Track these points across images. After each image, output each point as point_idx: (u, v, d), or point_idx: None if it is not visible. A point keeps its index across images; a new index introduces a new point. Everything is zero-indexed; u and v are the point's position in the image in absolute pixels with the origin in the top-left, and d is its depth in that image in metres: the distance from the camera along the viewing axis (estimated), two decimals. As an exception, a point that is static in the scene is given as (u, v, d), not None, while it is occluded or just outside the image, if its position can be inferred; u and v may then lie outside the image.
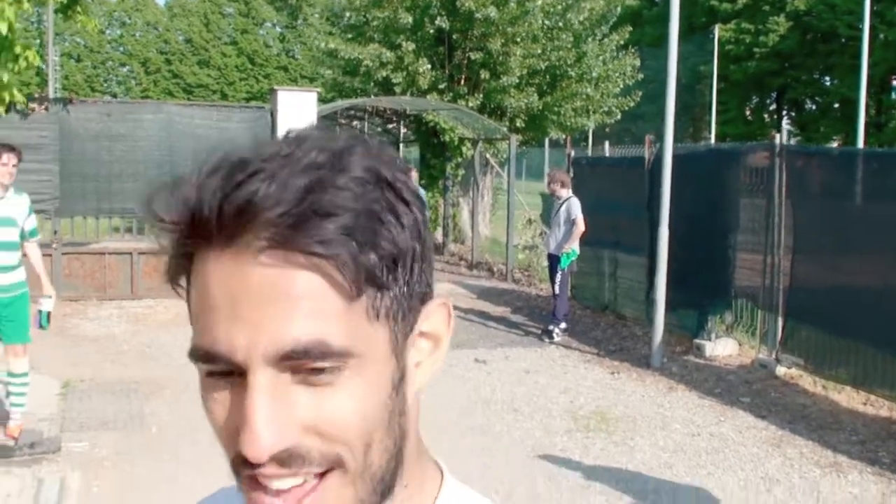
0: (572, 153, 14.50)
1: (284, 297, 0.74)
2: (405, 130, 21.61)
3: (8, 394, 6.81)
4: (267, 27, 65.65)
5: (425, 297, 0.85)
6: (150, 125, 13.31)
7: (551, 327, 11.51)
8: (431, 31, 17.66)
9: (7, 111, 10.84)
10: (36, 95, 14.37)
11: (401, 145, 21.47)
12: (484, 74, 17.58)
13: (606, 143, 15.11)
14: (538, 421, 7.94)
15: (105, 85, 62.41)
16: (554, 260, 11.77)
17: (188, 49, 62.35)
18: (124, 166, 13.22)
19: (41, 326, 6.77)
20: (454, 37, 17.85)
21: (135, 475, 6.37)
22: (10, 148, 6.56)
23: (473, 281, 16.21)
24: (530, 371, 9.77)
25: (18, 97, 10.45)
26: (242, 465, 0.77)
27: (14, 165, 6.49)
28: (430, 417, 5.81)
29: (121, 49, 63.67)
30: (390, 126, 21.24)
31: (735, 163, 10.97)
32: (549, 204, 19.37)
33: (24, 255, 6.74)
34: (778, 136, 10.09)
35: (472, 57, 17.63)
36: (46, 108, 12.86)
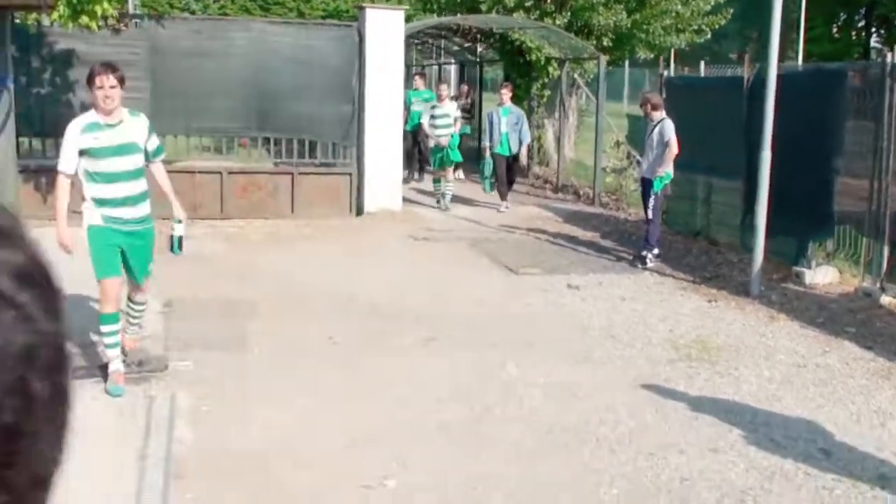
0: (665, 73, 14.08)
1: None
2: (482, 49, 21.29)
3: (126, 314, 6.78)
4: (344, -57, 64.85)
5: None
6: (239, 43, 13.25)
7: (644, 253, 11.31)
8: (519, -54, 17.20)
9: (99, 27, 10.81)
10: (125, 12, 14.34)
11: (484, 65, 21.13)
12: (572, -9, 17.11)
13: (702, 64, 14.66)
14: (638, 349, 7.83)
15: (183, 2, 62.50)
16: (647, 184, 11.53)
17: (265, -34, 61.93)
18: (213, 85, 13.20)
19: (173, 251, 6.80)
20: (542, -47, 17.38)
21: (242, 395, 6.42)
22: (107, 68, 6.14)
23: (559, 204, 16.02)
24: (626, 298, 9.62)
25: (111, 10, 10.41)
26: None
27: (112, 87, 6.02)
28: (527, 339, 5.75)
29: (199, -34, 63.46)
30: (474, 45, 20.90)
31: (840, 83, 10.52)
32: (636, 126, 18.99)
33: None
34: (889, 54, 9.64)
35: (560, -27, 17.15)
36: (137, 25, 12.85)
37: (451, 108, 15.46)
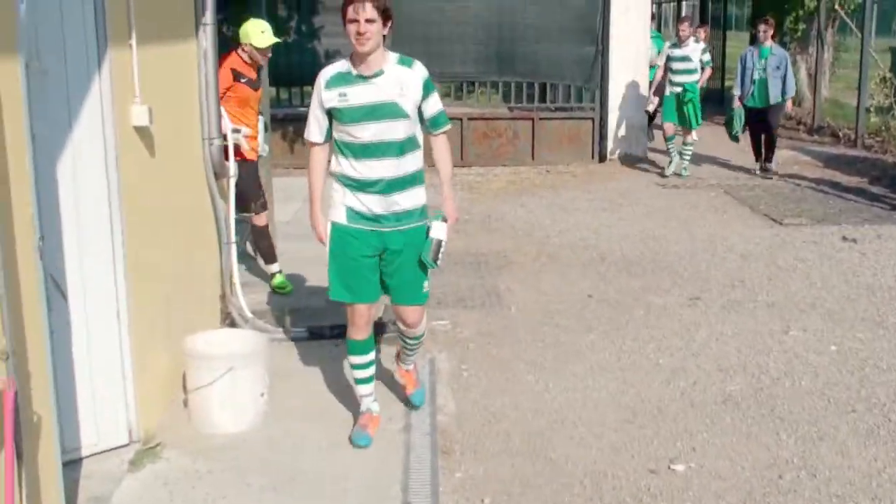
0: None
1: None
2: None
3: (399, 341, 5.12)
4: None
5: None
6: (479, -17, 12.84)
7: (926, 200, 10.17)
8: None
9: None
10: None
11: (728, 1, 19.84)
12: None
13: None
14: (939, 313, 6.91)
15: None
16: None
17: None
18: (453, 28, 12.86)
19: (425, 261, 4.58)
20: None
21: (503, 359, 6.03)
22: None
23: (816, 147, 14.78)
24: (912, 253, 8.61)
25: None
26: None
27: (369, 20, 4.22)
28: (807, 299, 4.99)
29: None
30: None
31: None
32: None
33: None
34: None
35: None
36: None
37: (694, 51, 12.36)
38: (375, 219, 4.48)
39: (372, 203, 4.46)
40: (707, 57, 12.48)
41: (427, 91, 4.45)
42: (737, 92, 12.50)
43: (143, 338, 4.50)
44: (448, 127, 4.55)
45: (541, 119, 13.30)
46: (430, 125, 4.57)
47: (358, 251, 4.52)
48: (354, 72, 4.39)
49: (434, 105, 4.52)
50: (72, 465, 4.17)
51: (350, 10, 4.24)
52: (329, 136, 4.53)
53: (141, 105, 4.42)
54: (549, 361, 5.98)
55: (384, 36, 4.36)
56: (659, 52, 13.07)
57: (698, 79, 12.35)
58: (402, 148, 4.44)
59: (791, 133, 16.14)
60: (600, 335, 6.47)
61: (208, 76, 5.69)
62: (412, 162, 4.51)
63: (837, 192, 11.50)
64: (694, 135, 12.58)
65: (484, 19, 12.94)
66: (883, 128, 14.86)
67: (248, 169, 6.64)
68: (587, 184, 11.99)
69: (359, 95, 4.37)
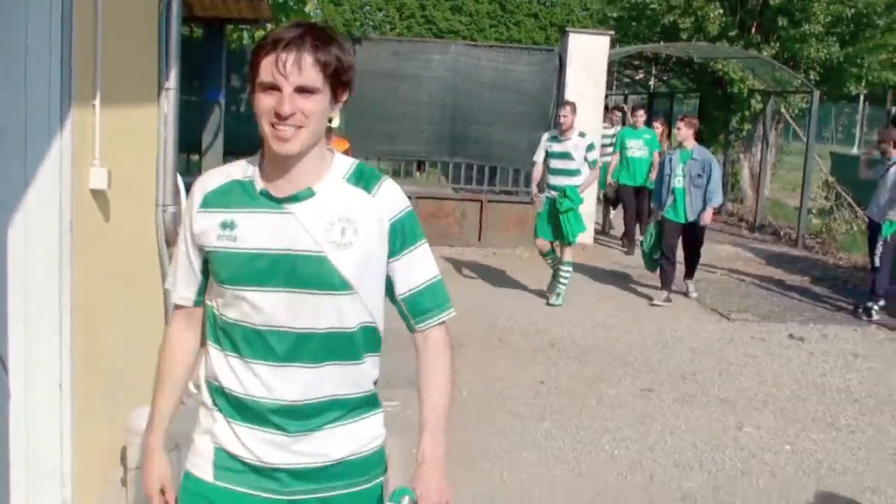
0: (894, 110, 12.96)
1: None
2: (675, 81, 20.34)
3: None
4: (520, -28, 64.88)
5: None
6: (436, 66, 12.95)
7: (870, 304, 10.25)
8: (725, -28, 16.35)
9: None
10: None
11: (678, 96, 20.26)
12: (781, 21, 16.11)
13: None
14: (889, 417, 6.90)
15: (361, 29, 63.63)
16: (874, 228, 10.47)
17: (442, -6, 62.55)
18: (409, 107, 12.89)
19: None
20: (749, -21, 16.48)
21: (456, 444, 5.85)
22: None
23: (758, 244, 15.01)
24: (858, 355, 8.64)
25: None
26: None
27: (302, 90, 2.71)
28: (759, 396, 4.91)
29: (377, -6, 64.70)
30: (668, 77, 20.09)
31: None
32: (840, 165, 17.79)
33: None
34: None
35: (770, 2, 16.18)
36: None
37: (576, 147, 9.70)
38: (267, 474, 2.35)
39: (262, 444, 2.35)
40: (594, 156, 9.81)
41: (402, 239, 2.34)
42: (653, 203, 11.00)
43: (84, 412, 4.26)
44: (447, 314, 2.49)
45: (489, 201, 13.31)
46: (410, 309, 2.44)
47: None
48: (259, 186, 2.33)
49: (420, 269, 2.39)
50: (0, 546, 3.89)
51: (267, 64, 2.17)
52: (202, 297, 2.47)
53: (101, 167, 4.25)
54: (503, 449, 5.82)
55: (329, 123, 2.36)
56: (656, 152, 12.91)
57: (581, 182, 9.72)
58: (328, 347, 2.32)
59: (733, 230, 16.41)
60: (554, 423, 6.33)
61: (167, 141, 5.53)
62: (352, 375, 2.43)
63: (781, 289, 11.61)
64: (569, 254, 10.01)
65: (438, 100, 13.00)
66: (823, 229, 15.15)
67: None
68: (534, 268, 11.94)
69: (259, 233, 2.27)
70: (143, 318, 5.44)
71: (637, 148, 13.33)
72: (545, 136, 10.25)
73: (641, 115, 13.76)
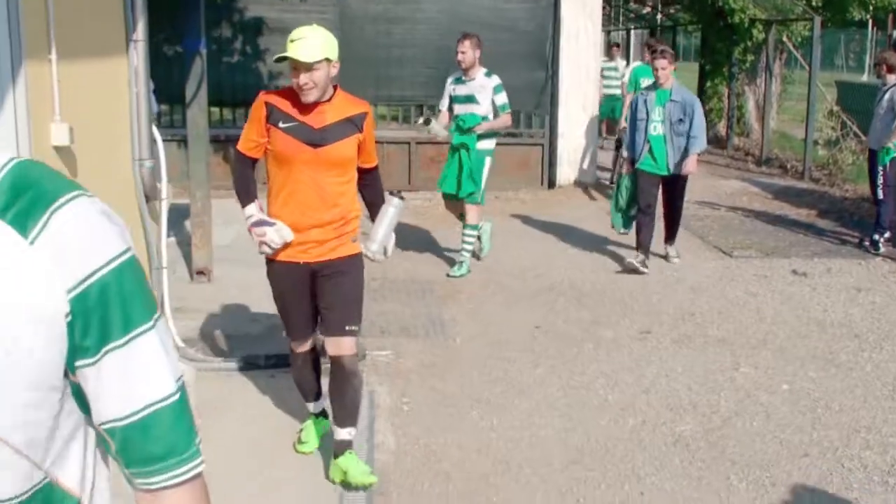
0: (898, 35, 12.66)
1: None
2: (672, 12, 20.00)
3: None
4: None
5: None
6: (429, 7, 12.68)
7: (875, 237, 10.08)
8: None
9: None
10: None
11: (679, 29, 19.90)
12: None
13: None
14: (889, 353, 6.79)
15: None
16: (873, 156, 10.27)
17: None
18: (403, 51, 12.68)
19: None
20: None
21: (447, 393, 5.79)
22: None
23: (765, 179, 14.78)
24: (861, 289, 8.50)
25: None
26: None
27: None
28: (757, 334, 4.79)
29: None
30: (670, 10, 19.73)
31: None
32: (847, 93, 17.46)
33: None
34: None
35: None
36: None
37: (482, 88, 8.48)
38: None
39: None
40: (502, 99, 8.50)
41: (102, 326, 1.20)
42: (625, 153, 9.43)
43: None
44: (193, 468, 1.31)
45: (490, 145, 13.12)
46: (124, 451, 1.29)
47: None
48: None
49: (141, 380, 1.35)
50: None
51: None
52: None
53: (61, 123, 4.13)
54: (494, 397, 5.75)
55: None
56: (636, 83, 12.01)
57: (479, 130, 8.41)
58: None
59: (739, 164, 16.17)
60: (548, 369, 6.25)
61: (139, 95, 5.41)
62: None
63: (786, 225, 11.44)
64: (475, 215, 8.61)
65: (433, 43, 12.75)
66: (830, 161, 14.91)
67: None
68: (536, 211, 11.83)
69: None
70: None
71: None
72: (449, 79, 8.71)
73: None
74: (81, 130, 4.30)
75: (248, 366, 5.90)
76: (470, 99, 8.42)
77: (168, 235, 6.11)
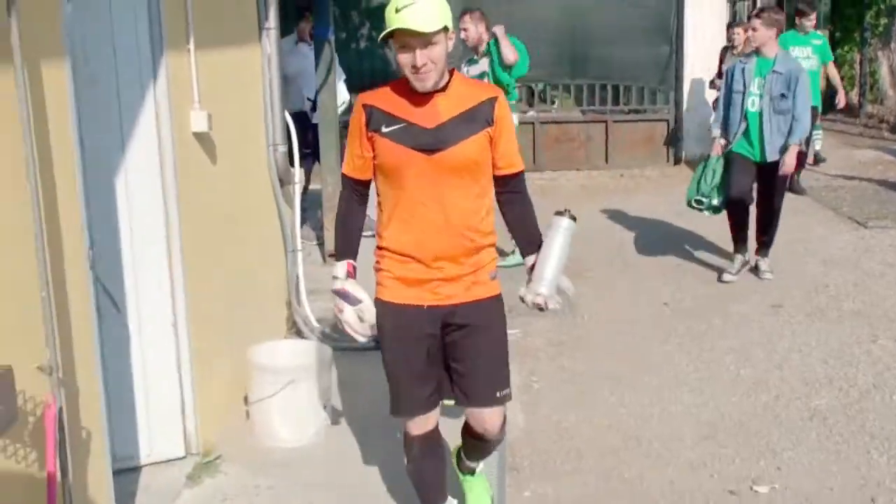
0: None
1: None
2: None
3: None
4: None
5: None
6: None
7: None
8: None
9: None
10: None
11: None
12: None
13: None
14: None
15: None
16: None
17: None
18: (522, 31, 12.59)
19: None
20: None
21: (576, 370, 5.82)
22: None
23: (901, 147, 14.24)
24: None
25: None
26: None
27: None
28: None
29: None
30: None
31: None
32: None
33: None
34: None
35: None
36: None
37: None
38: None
39: None
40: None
41: None
42: (715, 131, 7.71)
43: (203, 348, 4.39)
44: None
45: (614, 122, 13.02)
46: None
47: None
48: None
49: None
50: (127, 477, 4.07)
51: None
52: None
53: (200, 111, 4.31)
54: (623, 373, 5.75)
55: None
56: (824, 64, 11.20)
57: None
58: None
59: (873, 132, 15.59)
60: (677, 346, 6.21)
61: (272, 81, 5.58)
62: None
63: (931, 198, 11.00)
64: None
65: (555, 21, 12.71)
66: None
67: None
68: (662, 187, 11.67)
69: None
70: (259, 254, 5.55)
71: (805, 57, 10.70)
72: (462, 63, 8.10)
73: (811, 19, 11.43)
74: (218, 117, 4.48)
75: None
76: (485, 76, 7.80)
77: (302, 220, 6.29)
